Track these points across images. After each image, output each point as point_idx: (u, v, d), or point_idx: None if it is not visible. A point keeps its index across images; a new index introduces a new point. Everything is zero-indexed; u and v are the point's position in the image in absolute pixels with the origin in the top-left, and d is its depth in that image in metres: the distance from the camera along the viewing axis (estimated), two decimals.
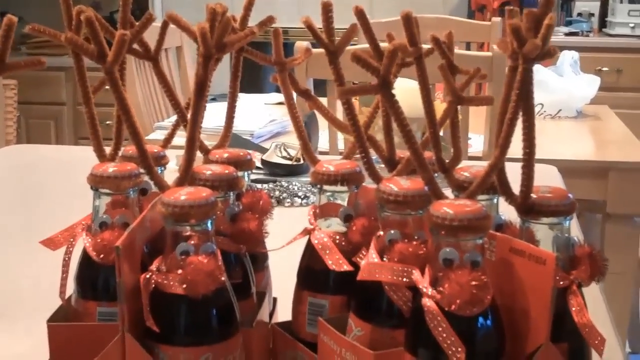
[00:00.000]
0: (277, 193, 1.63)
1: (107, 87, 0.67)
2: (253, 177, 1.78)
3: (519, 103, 0.60)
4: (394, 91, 0.65)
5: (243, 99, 3.25)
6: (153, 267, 0.64)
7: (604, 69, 4.08)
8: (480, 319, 0.59)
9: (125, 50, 0.66)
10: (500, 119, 0.62)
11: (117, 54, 0.64)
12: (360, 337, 0.66)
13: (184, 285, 0.61)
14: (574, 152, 2.43)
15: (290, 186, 1.66)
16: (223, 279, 0.63)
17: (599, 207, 2.31)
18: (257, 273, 0.77)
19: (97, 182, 0.69)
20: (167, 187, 0.66)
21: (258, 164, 1.85)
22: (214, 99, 3.61)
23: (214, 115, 2.22)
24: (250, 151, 1.94)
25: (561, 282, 0.62)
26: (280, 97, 2.88)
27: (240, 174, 0.77)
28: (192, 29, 0.68)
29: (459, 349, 0.57)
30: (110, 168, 0.70)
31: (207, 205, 0.62)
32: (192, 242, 0.62)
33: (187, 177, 0.66)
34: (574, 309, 0.62)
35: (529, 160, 0.62)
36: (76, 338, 0.68)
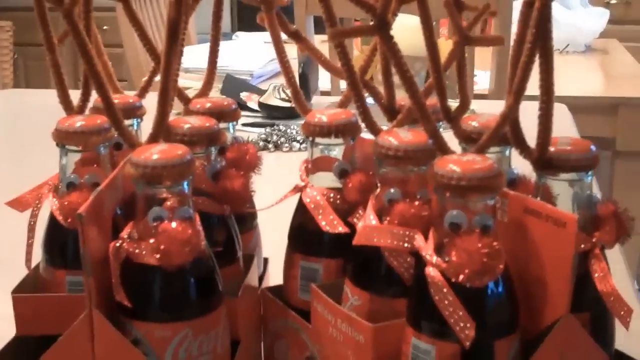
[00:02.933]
0: (275, 137, 1.56)
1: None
2: (249, 120, 1.71)
3: (536, 44, 0.52)
4: (393, 30, 0.57)
5: (242, 37, 3.16)
6: (124, 234, 0.57)
7: (613, 1, 3.95)
8: (492, 290, 0.52)
9: None
10: (514, 62, 0.54)
11: None
12: (358, 307, 0.60)
13: (157, 256, 0.54)
14: (583, 88, 2.35)
15: (289, 130, 1.59)
16: (202, 246, 0.56)
17: (608, 144, 2.24)
18: (245, 234, 0.70)
19: (62, 137, 0.62)
20: (137, 144, 0.58)
21: (255, 106, 1.77)
22: None
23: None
24: (246, 93, 1.86)
25: (582, 246, 0.55)
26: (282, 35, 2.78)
27: (224, 125, 0.70)
28: None
29: (468, 325, 0.50)
30: (78, 122, 0.62)
31: (183, 165, 0.55)
32: (166, 206, 0.55)
33: (161, 132, 0.59)
34: (596, 275, 0.55)
35: (547, 110, 0.54)
36: (44, 310, 0.61)
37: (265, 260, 0.77)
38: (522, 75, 0.53)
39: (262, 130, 1.60)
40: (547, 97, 0.54)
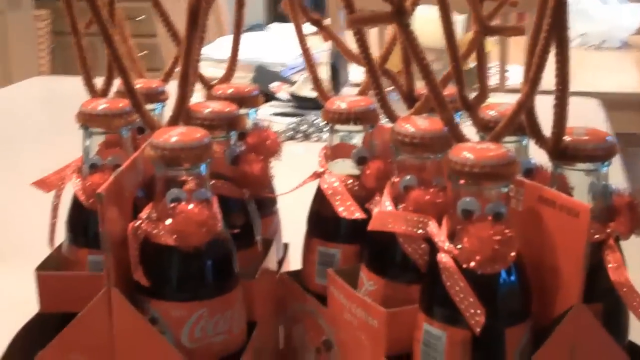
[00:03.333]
0: (304, 127, 1.57)
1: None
2: (279, 110, 1.72)
3: (551, 33, 0.53)
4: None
5: (276, 28, 3.16)
6: (143, 214, 0.58)
7: None
8: (503, 278, 0.52)
9: None
10: (531, 51, 0.55)
11: None
12: (372, 292, 0.60)
13: (174, 236, 0.55)
14: (618, 84, 2.33)
15: (317, 120, 1.59)
16: (219, 228, 0.57)
17: None
18: (264, 219, 0.71)
19: (86, 120, 0.63)
20: (158, 127, 0.59)
21: (284, 96, 1.78)
22: (250, 29, 3.53)
23: (245, 46, 2.15)
24: (276, 84, 1.88)
25: (596, 236, 0.55)
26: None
27: (245, 111, 0.70)
28: None
29: (478, 311, 0.51)
30: (101, 105, 0.63)
31: (200, 148, 0.56)
32: (185, 188, 0.56)
33: (181, 115, 0.59)
34: (610, 265, 0.55)
35: (562, 99, 0.54)
36: (66, 288, 0.62)
37: (286, 246, 0.77)
38: (538, 64, 0.53)
39: (291, 120, 1.61)
40: (562, 87, 0.54)
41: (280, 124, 1.59)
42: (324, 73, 1.97)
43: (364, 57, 0.60)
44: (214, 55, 1.97)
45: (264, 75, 1.85)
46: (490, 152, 0.52)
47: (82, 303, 0.58)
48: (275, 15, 4.17)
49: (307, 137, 1.55)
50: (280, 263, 0.74)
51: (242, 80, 1.88)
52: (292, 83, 1.82)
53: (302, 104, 1.73)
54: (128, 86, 0.58)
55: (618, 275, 0.54)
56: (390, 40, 0.68)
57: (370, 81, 0.61)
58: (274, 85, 1.84)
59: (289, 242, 0.78)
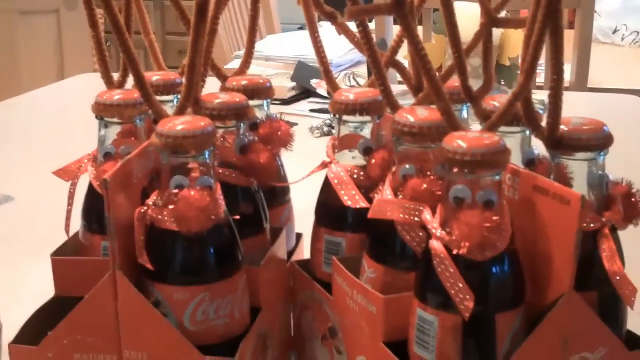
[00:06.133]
0: None
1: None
2: (316, 106, 1.73)
3: (545, 23, 0.53)
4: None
5: (322, 26, 3.18)
6: (149, 201, 0.60)
7: None
8: (494, 264, 0.53)
9: None
10: (527, 42, 0.55)
11: None
12: (373, 279, 0.61)
13: (176, 221, 0.57)
14: None
15: None
16: (221, 214, 0.58)
17: None
18: (275, 208, 0.72)
19: (100, 110, 0.65)
20: (166, 116, 0.61)
21: (324, 92, 1.79)
22: (300, 28, 3.55)
23: (291, 44, 2.17)
24: (316, 80, 1.89)
25: (591, 225, 0.56)
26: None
27: (258, 102, 0.72)
28: None
29: (467, 297, 0.52)
30: (116, 95, 0.66)
31: (204, 135, 0.57)
32: (189, 175, 0.58)
33: (188, 104, 0.61)
34: (604, 254, 0.55)
35: (556, 88, 0.55)
36: (79, 272, 0.65)
37: (299, 235, 0.79)
38: (533, 54, 0.54)
39: (327, 116, 1.62)
40: (557, 76, 0.54)
41: (317, 120, 1.61)
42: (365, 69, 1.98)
43: (367, 49, 0.61)
44: (263, 51, 2.01)
45: (304, 71, 1.87)
46: (482, 140, 0.52)
47: (94, 286, 0.61)
48: None
49: None
50: (292, 252, 0.75)
51: (284, 76, 1.90)
52: None
53: None
54: (137, 77, 0.60)
55: (612, 264, 0.55)
56: (401, 33, 0.69)
57: (373, 71, 0.62)
58: (314, 82, 1.86)
59: (303, 233, 0.79)
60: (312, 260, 0.70)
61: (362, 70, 2.03)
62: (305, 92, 1.83)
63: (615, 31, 2.95)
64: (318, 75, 1.92)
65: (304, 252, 0.77)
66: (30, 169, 1.39)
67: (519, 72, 1.41)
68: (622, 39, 2.76)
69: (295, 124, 1.49)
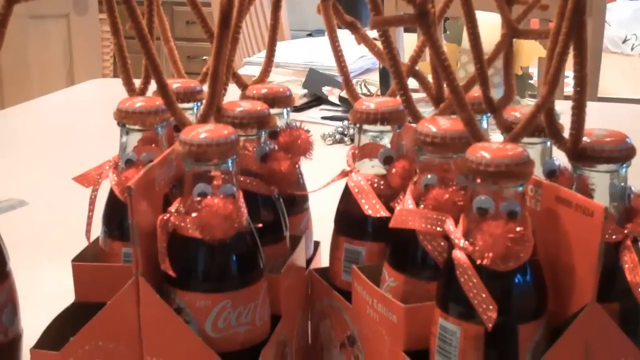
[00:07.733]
0: (351, 131, 1.58)
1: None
2: (329, 114, 1.73)
3: (570, 35, 0.53)
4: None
5: (340, 34, 3.17)
6: (172, 208, 0.60)
7: None
8: (517, 275, 0.53)
9: None
10: (550, 54, 0.56)
11: None
12: (394, 289, 0.62)
13: (199, 229, 0.57)
14: None
15: None
16: (243, 222, 0.59)
17: None
18: (295, 216, 0.72)
19: (122, 117, 0.66)
20: (189, 124, 0.62)
21: (336, 100, 1.80)
22: (310, 34, 3.56)
23: (300, 51, 2.16)
24: (328, 87, 1.89)
25: (614, 236, 0.56)
26: (373, 32, 2.78)
27: (278, 111, 0.72)
28: None
29: (490, 307, 0.52)
30: (138, 103, 0.66)
31: (227, 144, 0.58)
32: (211, 183, 0.58)
33: (211, 113, 0.62)
34: (627, 266, 0.55)
35: (580, 100, 0.55)
36: (100, 279, 0.65)
37: (317, 243, 0.79)
38: (556, 66, 0.54)
39: (339, 123, 1.62)
40: (580, 88, 0.54)
41: (329, 127, 1.61)
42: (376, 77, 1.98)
43: (389, 58, 0.61)
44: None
45: (315, 78, 1.87)
46: (506, 151, 0.53)
47: (114, 293, 0.61)
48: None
49: (353, 140, 1.56)
50: (311, 260, 0.76)
51: (295, 83, 1.91)
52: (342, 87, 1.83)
53: (350, 108, 1.74)
54: (160, 84, 0.60)
55: (634, 276, 0.55)
56: (421, 43, 0.69)
57: (395, 82, 0.62)
58: (326, 89, 1.86)
59: (320, 240, 0.79)
60: (331, 269, 0.71)
61: (373, 77, 2.03)
62: (316, 100, 1.83)
63: (625, 41, 2.95)
64: (329, 82, 1.92)
65: (322, 260, 0.78)
66: (43, 174, 1.40)
67: (531, 81, 1.43)
68: (632, 48, 2.77)
69: (308, 131, 1.50)
